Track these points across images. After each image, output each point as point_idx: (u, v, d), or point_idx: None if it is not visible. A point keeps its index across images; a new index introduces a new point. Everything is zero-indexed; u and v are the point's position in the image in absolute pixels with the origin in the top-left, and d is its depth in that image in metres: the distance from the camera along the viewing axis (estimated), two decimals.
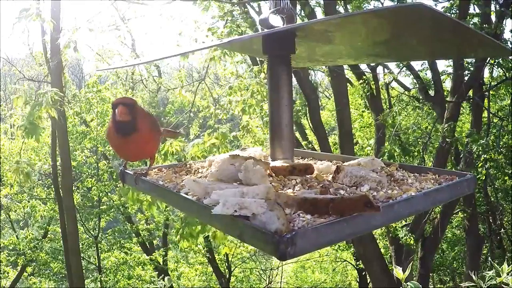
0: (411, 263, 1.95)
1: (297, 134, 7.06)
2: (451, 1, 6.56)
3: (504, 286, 1.71)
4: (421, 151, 6.10)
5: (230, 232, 0.72)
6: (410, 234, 5.22)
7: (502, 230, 7.81)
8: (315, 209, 0.68)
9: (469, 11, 6.25)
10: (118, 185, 8.31)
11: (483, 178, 5.45)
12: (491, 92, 6.80)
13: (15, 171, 3.51)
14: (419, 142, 6.63)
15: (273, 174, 0.95)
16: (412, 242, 5.34)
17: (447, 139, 5.52)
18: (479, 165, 5.30)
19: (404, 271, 1.61)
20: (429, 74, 7.18)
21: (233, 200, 0.68)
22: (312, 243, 0.63)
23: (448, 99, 6.12)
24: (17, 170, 3.48)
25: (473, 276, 1.70)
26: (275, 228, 0.62)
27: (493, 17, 5.89)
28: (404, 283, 1.61)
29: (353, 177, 0.87)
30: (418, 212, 1.02)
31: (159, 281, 2.41)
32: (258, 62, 5.08)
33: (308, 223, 0.66)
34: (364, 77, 6.47)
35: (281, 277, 11.09)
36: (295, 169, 0.95)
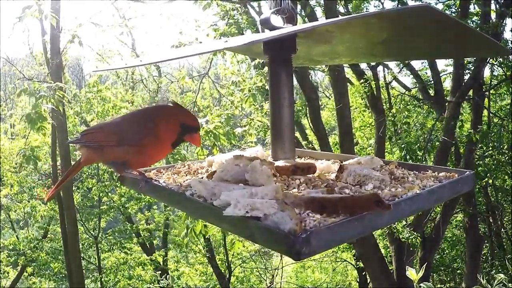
0: (424, 264, 1.95)
1: (298, 134, 7.06)
2: (450, 1, 6.57)
3: None
4: (422, 150, 6.10)
5: (240, 232, 0.72)
6: (415, 233, 5.21)
7: (502, 230, 7.81)
8: (323, 208, 0.69)
9: (469, 10, 6.25)
10: (118, 185, 8.31)
11: (485, 179, 5.45)
12: (491, 92, 6.80)
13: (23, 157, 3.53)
14: (421, 141, 6.64)
15: (277, 174, 0.95)
16: (418, 241, 5.33)
17: (447, 138, 5.53)
18: (479, 164, 5.30)
19: (403, 271, 1.61)
20: (429, 74, 7.19)
21: (244, 201, 0.68)
22: (325, 242, 0.64)
23: (448, 98, 6.12)
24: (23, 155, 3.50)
25: (481, 280, 1.70)
26: (288, 228, 0.62)
27: (493, 16, 5.89)
28: (417, 284, 1.61)
29: (357, 176, 0.87)
30: (423, 210, 1.03)
31: (162, 280, 2.42)
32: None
33: (319, 223, 0.66)
34: (365, 76, 6.47)
35: (282, 277, 11.09)
36: (298, 169, 0.95)
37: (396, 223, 5.10)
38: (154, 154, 1.08)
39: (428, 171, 1.00)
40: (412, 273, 1.62)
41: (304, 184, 0.89)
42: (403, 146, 5.56)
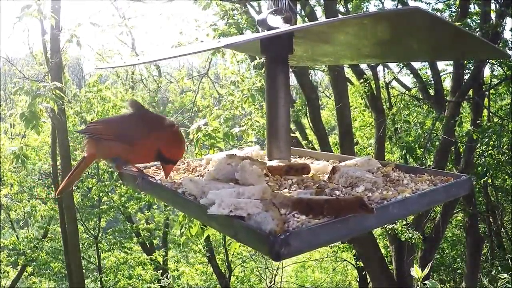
0: (428, 263, 1.94)
1: (297, 134, 7.06)
2: (450, 0, 6.57)
3: None
4: (422, 150, 6.11)
5: (226, 232, 0.72)
6: (417, 233, 5.20)
7: (502, 230, 7.81)
8: (310, 209, 0.69)
9: (469, 10, 6.25)
10: (118, 185, 8.32)
11: (485, 178, 5.45)
12: (491, 91, 6.80)
13: (15, 157, 3.50)
14: (421, 141, 6.64)
15: (269, 174, 0.95)
16: (420, 241, 5.31)
17: (447, 137, 5.54)
18: (479, 163, 5.30)
19: (403, 271, 1.62)
20: (429, 73, 7.19)
21: (228, 201, 0.68)
22: (306, 244, 0.64)
23: (448, 98, 6.13)
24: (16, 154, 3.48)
25: (484, 281, 1.70)
26: (269, 228, 0.62)
27: (492, 16, 5.89)
28: (421, 283, 1.61)
29: (349, 177, 0.87)
30: (413, 213, 1.03)
31: (163, 279, 2.44)
32: (257, 58, 5.08)
33: (302, 224, 0.66)
34: (365, 76, 6.47)
35: (281, 276, 11.09)
36: (291, 169, 0.95)
37: (396, 223, 5.10)
38: (146, 155, 1.07)
39: (424, 174, 0.99)
40: (418, 271, 1.62)
41: (296, 185, 0.89)
42: (403, 144, 5.57)
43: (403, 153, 5.62)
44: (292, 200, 0.71)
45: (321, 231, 0.65)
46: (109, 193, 8.90)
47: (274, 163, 1.01)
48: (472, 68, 6.08)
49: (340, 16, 5.81)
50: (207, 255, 9.23)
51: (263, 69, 4.55)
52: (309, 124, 6.88)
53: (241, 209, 0.66)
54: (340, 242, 7.38)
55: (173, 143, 1.03)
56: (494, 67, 6.33)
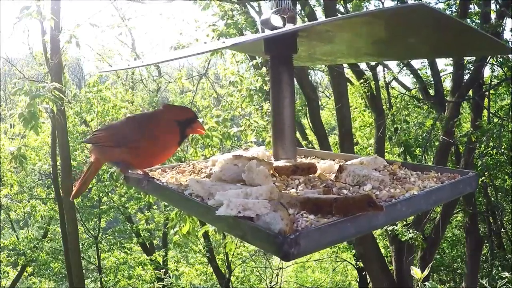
0: (429, 264, 1.94)
1: (297, 134, 7.05)
2: (450, 0, 6.58)
3: None
4: (421, 150, 6.10)
5: (234, 232, 0.72)
6: (417, 233, 5.19)
7: (502, 230, 7.81)
8: (318, 209, 0.68)
9: (469, 10, 6.25)
10: (118, 185, 8.30)
11: (484, 178, 5.45)
12: (491, 92, 6.80)
13: (13, 157, 3.48)
14: (420, 141, 6.63)
15: (276, 174, 0.95)
16: (420, 241, 5.30)
17: (447, 138, 5.54)
18: (478, 163, 5.30)
19: (403, 271, 1.62)
20: (429, 73, 7.19)
21: (236, 201, 0.68)
22: (315, 243, 0.63)
23: (448, 98, 6.13)
24: (15, 155, 3.46)
25: (484, 282, 1.70)
26: (278, 228, 0.62)
27: (492, 16, 5.89)
28: (421, 283, 1.61)
29: (356, 176, 0.87)
30: (421, 211, 1.02)
31: (166, 278, 2.45)
32: (257, 58, 5.07)
33: (311, 223, 0.66)
34: (365, 76, 6.47)
35: (281, 277, 11.08)
36: (298, 169, 0.95)
37: (397, 223, 5.09)
38: (151, 156, 1.09)
39: (431, 171, 0.99)
40: (417, 272, 1.62)
41: (303, 184, 0.89)
42: (401, 142, 5.56)
43: (401, 150, 5.61)
44: (300, 199, 0.71)
45: (330, 230, 0.65)
46: (109, 194, 8.89)
47: (281, 163, 1.01)
48: (472, 68, 6.08)
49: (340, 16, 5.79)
50: (207, 255, 9.21)
51: (262, 69, 4.56)
52: (309, 124, 6.87)
53: (249, 209, 0.66)
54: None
55: (179, 108, 1.12)
56: (494, 68, 6.32)
